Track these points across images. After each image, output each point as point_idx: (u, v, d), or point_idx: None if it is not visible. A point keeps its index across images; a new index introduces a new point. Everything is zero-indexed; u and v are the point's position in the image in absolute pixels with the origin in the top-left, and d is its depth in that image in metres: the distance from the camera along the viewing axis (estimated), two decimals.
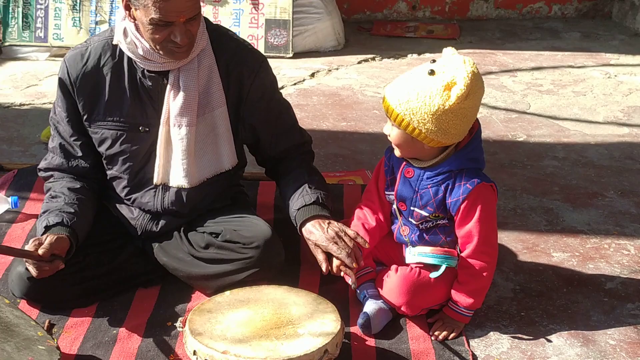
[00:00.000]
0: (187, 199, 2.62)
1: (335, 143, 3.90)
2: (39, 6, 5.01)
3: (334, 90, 4.64)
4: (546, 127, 4.18)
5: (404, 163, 2.46)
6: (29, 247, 2.31)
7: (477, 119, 2.46)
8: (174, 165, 2.57)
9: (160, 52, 2.41)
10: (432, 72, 2.27)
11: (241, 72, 2.57)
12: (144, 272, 2.67)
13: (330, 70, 4.98)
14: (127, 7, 2.40)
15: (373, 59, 5.24)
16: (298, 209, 2.53)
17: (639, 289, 2.74)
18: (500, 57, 5.30)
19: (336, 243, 2.39)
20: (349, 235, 2.42)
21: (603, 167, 3.70)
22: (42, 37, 5.03)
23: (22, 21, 5.01)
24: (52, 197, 2.54)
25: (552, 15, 6.24)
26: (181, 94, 2.50)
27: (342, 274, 2.37)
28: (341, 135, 4.02)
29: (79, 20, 5.01)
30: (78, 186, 2.58)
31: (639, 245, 3.03)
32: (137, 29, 2.42)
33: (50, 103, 4.29)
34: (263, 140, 2.69)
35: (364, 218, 2.59)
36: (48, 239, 2.32)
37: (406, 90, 2.29)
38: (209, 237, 2.59)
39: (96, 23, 5.01)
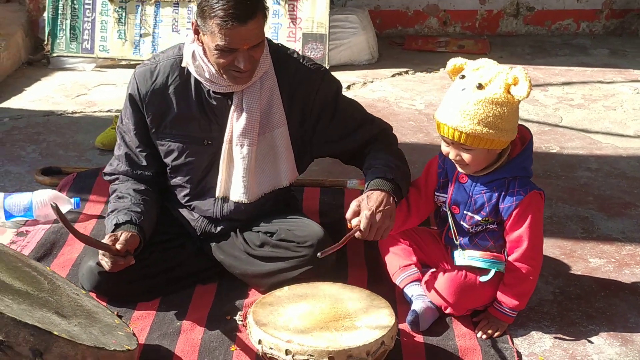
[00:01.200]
0: (246, 208, 2.76)
1: None
2: (86, 19, 5.20)
3: (370, 102, 4.79)
4: (578, 139, 4.30)
5: None
6: (106, 241, 2.46)
7: (529, 131, 2.61)
8: (235, 182, 2.71)
9: (224, 76, 2.55)
10: (480, 86, 2.40)
11: (304, 90, 2.70)
12: (203, 269, 2.82)
13: (365, 83, 5.14)
14: (196, 32, 2.54)
15: (406, 72, 5.39)
16: (372, 179, 2.60)
17: None
18: (530, 72, 5.33)
19: (370, 223, 2.45)
20: (383, 230, 2.50)
21: (635, 178, 3.82)
22: (89, 49, 5.22)
23: (70, 33, 5.20)
24: (119, 198, 2.69)
25: (580, 32, 6.37)
26: (244, 115, 2.64)
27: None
28: None
29: (124, 33, 5.19)
30: (142, 188, 2.74)
31: None
32: (205, 52, 2.56)
33: (100, 111, 4.48)
34: (336, 144, 2.80)
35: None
36: (123, 235, 2.47)
37: (470, 113, 2.39)
38: (264, 236, 2.73)
39: (140, 36, 5.19)
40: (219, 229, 2.80)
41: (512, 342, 2.57)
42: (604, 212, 3.48)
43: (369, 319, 2.31)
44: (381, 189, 2.55)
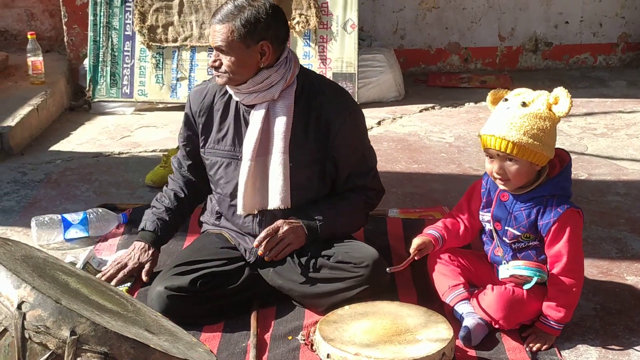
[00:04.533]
0: None
1: (410, 183, 4.23)
2: (125, 65, 5.45)
3: (401, 136, 4.99)
4: (605, 166, 4.47)
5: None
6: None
7: (568, 154, 2.79)
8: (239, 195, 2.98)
9: None
10: (524, 104, 2.62)
11: (332, 118, 2.92)
12: (261, 294, 2.98)
13: (394, 119, 5.34)
14: None
15: (433, 107, 5.60)
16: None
17: None
18: None
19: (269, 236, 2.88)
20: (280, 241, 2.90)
21: None
22: (128, 93, 5.46)
23: (110, 79, 5.45)
24: (157, 199, 3.19)
25: (597, 65, 6.58)
26: (249, 129, 2.92)
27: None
28: (414, 176, 4.34)
29: (162, 77, 5.44)
30: (182, 196, 3.14)
31: None
32: None
33: (145, 151, 4.71)
34: (339, 176, 3.02)
35: (450, 223, 2.93)
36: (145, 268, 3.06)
37: (517, 124, 2.59)
38: (321, 260, 2.90)
39: (177, 80, 5.43)
40: None
41: (560, 355, 2.70)
42: (636, 233, 3.62)
43: (428, 333, 2.47)
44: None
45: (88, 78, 5.45)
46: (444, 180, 4.28)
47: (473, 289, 2.92)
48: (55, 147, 4.78)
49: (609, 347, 2.76)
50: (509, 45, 6.50)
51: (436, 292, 2.95)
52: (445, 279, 2.92)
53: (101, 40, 5.43)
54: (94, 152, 4.69)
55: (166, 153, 4.27)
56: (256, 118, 2.89)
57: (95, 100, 5.46)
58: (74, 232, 3.40)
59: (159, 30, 5.42)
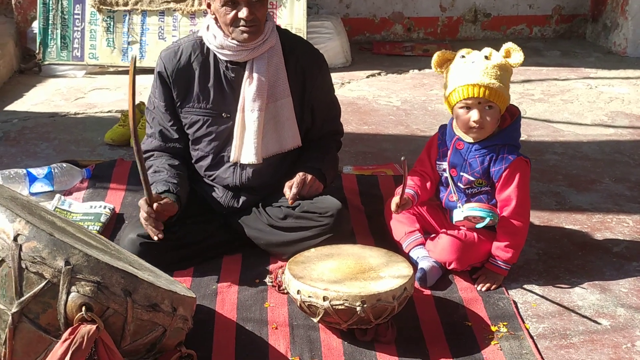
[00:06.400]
0: (260, 175, 3.10)
1: (361, 143, 4.41)
2: (76, 28, 5.47)
3: (350, 100, 5.16)
4: (543, 129, 4.74)
5: (456, 137, 2.97)
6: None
7: (518, 108, 3.00)
8: (246, 145, 3.05)
9: (232, 35, 2.90)
10: (487, 57, 2.85)
11: (309, 67, 3.09)
12: (228, 241, 3.12)
13: (343, 84, 5.51)
14: (208, 5, 2.95)
15: (379, 74, 5.79)
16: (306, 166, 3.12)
17: None
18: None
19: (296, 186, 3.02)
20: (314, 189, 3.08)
21: (597, 159, 4.26)
22: (79, 57, 5.48)
23: (61, 42, 5.45)
24: (156, 172, 3.01)
25: (533, 36, 6.87)
26: (254, 82, 2.99)
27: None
28: (365, 137, 4.53)
29: (113, 41, 5.47)
30: (177, 163, 3.07)
31: (636, 219, 3.55)
32: (216, 21, 2.94)
33: (101, 112, 4.76)
34: (315, 123, 3.19)
35: (417, 179, 3.09)
36: (165, 200, 2.80)
37: (492, 74, 2.82)
38: (287, 210, 3.05)
39: (128, 43, 5.47)
40: (241, 201, 3.11)
41: (508, 293, 2.93)
42: (573, 188, 3.89)
43: (390, 271, 2.65)
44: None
45: (38, 41, 5.45)
46: (393, 140, 4.48)
47: (427, 235, 3.12)
48: (10, 108, 4.79)
49: (551, 286, 3.00)
50: (449, 16, 6.73)
51: (392, 240, 3.14)
52: (402, 225, 3.11)
53: (51, 3, 5.43)
54: (49, 112, 4.72)
55: (124, 112, 4.34)
56: (261, 67, 2.97)
57: (46, 63, 5.47)
58: (39, 186, 3.48)
59: None
